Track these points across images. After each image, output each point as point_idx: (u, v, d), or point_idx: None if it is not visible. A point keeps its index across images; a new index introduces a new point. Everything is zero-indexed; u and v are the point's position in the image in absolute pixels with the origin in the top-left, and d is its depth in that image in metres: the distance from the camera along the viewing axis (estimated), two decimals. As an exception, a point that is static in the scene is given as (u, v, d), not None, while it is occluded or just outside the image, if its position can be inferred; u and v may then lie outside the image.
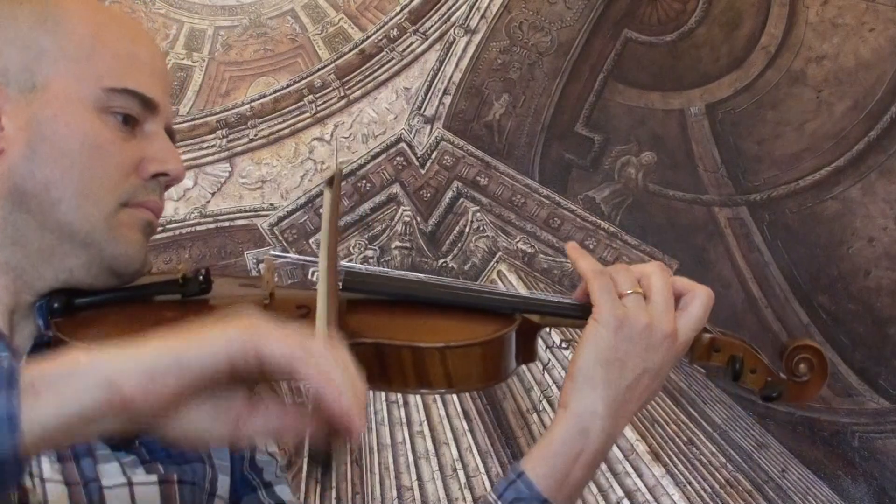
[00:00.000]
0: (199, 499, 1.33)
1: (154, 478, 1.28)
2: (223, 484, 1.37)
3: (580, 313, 1.33)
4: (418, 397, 3.04)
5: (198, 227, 3.24)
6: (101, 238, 1.30)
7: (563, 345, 2.88)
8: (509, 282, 3.25)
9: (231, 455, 1.39)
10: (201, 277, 1.30)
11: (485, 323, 1.27)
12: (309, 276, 2.88)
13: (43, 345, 1.29)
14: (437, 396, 3.01)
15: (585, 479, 1.32)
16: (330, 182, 1.28)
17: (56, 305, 1.26)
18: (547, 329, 1.65)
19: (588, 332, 1.29)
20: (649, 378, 1.31)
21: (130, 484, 1.27)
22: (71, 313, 1.26)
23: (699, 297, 1.32)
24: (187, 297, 1.30)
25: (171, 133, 1.36)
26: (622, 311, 1.28)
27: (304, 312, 1.23)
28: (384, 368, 1.22)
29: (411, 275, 1.34)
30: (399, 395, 3.08)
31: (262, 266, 1.44)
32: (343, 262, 1.30)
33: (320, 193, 3.25)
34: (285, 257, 1.42)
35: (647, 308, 1.28)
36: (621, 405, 1.31)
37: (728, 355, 1.34)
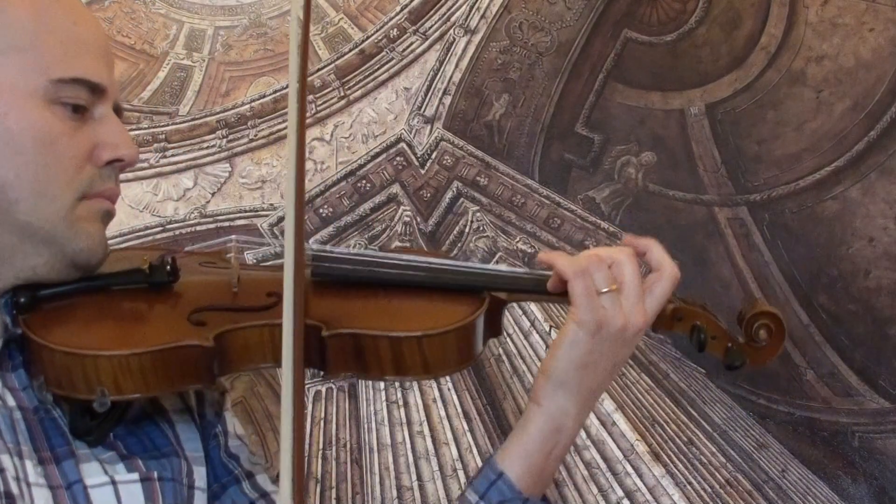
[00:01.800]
0: (180, 494, 1.35)
1: (136, 476, 1.31)
2: (200, 475, 1.39)
3: (545, 289, 1.37)
4: (418, 397, 3.05)
5: (198, 228, 3.22)
6: (61, 235, 1.31)
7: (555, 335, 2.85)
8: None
9: (205, 445, 1.42)
10: (168, 266, 1.33)
11: (456, 304, 1.32)
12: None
13: (10, 341, 1.30)
14: (437, 397, 3.04)
15: (556, 470, 1.40)
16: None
17: (22, 300, 1.27)
18: (546, 325, 1.60)
19: (567, 333, 1.34)
20: (618, 368, 1.38)
21: (114, 483, 1.29)
22: (37, 307, 1.28)
23: (665, 279, 1.37)
24: (154, 286, 1.32)
25: (118, 111, 1.36)
26: (601, 313, 1.32)
27: (274, 301, 1.27)
28: (361, 357, 1.27)
29: (380, 254, 1.37)
30: (399, 396, 3.09)
31: (230, 246, 1.45)
32: (312, 245, 1.34)
33: (320, 194, 3.26)
34: (251, 240, 1.46)
35: (621, 305, 1.33)
36: (591, 399, 1.38)
37: (690, 324, 1.40)
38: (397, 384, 2.93)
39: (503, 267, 1.47)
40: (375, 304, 1.34)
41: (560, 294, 1.36)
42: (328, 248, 1.39)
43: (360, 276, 1.36)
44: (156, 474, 1.32)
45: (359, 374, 1.30)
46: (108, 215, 1.35)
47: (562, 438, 1.38)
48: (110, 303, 1.31)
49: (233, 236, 1.46)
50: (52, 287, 1.29)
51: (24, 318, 1.27)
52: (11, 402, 1.28)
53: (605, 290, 1.33)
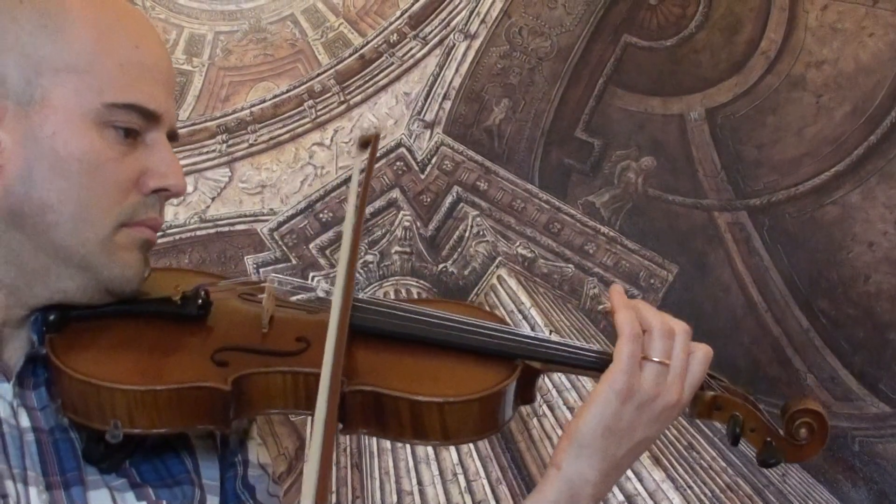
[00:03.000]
0: None
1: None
2: None
3: (589, 365, 1.35)
4: (429, 447, 3.06)
5: (198, 232, 3.29)
6: (97, 262, 1.27)
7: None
8: (509, 286, 3.27)
9: (222, 474, 1.38)
10: (200, 301, 1.28)
11: (485, 369, 1.28)
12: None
13: (36, 358, 1.28)
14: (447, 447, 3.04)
15: None
16: (364, 145, 1.28)
17: (52, 318, 1.25)
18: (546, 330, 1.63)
19: (598, 394, 1.29)
20: (645, 445, 1.33)
21: None
22: (66, 326, 1.26)
23: (699, 358, 1.32)
24: (184, 318, 1.29)
25: (173, 136, 1.32)
26: (638, 381, 1.28)
27: (302, 347, 1.24)
28: (380, 416, 1.23)
29: (412, 308, 1.33)
30: None
31: (264, 279, 1.41)
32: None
33: (320, 199, 3.32)
34: (288, 281, 1.38)
35: (663, 379, 1.29)
36: (614, 471, 1.32)
37: (729, 414, 1.35)
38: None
39: (551, 337, 1.41)
40: (402, 360, 1.30)
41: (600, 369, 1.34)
42: (361, 297, 1.33)
43: (392, 331, 1.32)
44: (165, 502, 1.29)
45: (377, 432, 1.26)
46: (148, 244, 1.31)
47: None
48: (137, 330, 1.28)
49: (271, 275, 1.39)
50: (83, 308, 1.27)
51: (51, 336, 1.25)
52: (26, 422, 1.26)
53: (656, 359, 1.29)
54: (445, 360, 1.29)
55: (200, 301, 1.28)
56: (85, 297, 1.27)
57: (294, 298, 1.35)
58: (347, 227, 1.23)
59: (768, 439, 1.35)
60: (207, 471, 1.35)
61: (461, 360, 1.29)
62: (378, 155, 3.29)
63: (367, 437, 3.00)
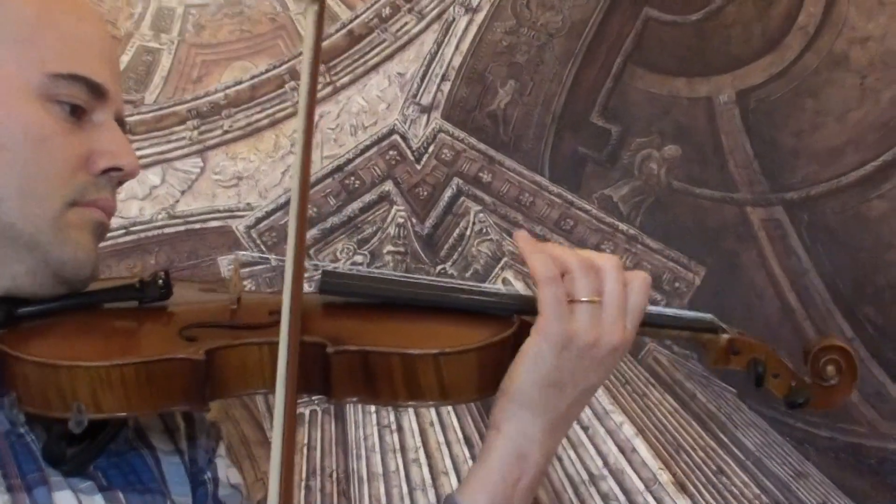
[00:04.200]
0: None
1: None
2: None
3: None
4: (414, 421, 3.02)
5: (165, 230, 3.18)
6: (46, 241, 1.28)
7: None
8: (517, 290, 3.10)
9: (193, 490, 1.40)
10: (160, 281, 1.31)
11: (480, 326, 1.28)
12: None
13: None
14: (435, 420, 3.01)
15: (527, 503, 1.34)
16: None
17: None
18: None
19: (529, 347, 1.27)
20: (591, 392, 1.33)
21: None
22: (15, 324, 1.25)
23: (636, 288, 1.31)
24: (145, 304, 1.31)
25: (121, 122, 1.34)
26: (571, 326, 1.27)
27: (276, 319, 1.20)
28: (371, 379, 1.23)
29: (394, 274, 1.35)
30: (392, 419, 3.05)
31: (228, 268, 1.42)
32: (320, 262, 1.31)
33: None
34: (257, 257, 1.43)
35: (599, 319, 1.27)
36: (561, 424, 1.32)
37: (748, 358, 1.36)
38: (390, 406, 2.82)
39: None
40: (389, 323, 1.32)
41: None
42: (338, 266, 1.38)
43: (374, 293, 1.34)
44: None
45: (368, 399, 1.27)
46: (102, 228, 1.34)
47: (528, 467, 1.32)
48: (96, 319, 1.30)
49: (237, 252, 1.47)
50: (33, 304, 1.28)
51: (1, 334, 1.25)
52: None
53: (584, 299, 1.29)
54: (437, 319, 1.30)
55: (161, 282, 1.31)
56: (35, 283, 1.28)
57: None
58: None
59: (793, 384, 1.36)
60: (177, 486, 1.38)
61: (453, 318, 1.30)
62: (368, 143, 3.17)
63: (354, 462, 2.99)
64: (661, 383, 3.03)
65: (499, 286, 1.41)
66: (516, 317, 1.31)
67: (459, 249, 3.18)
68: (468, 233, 3.19)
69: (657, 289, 3.08)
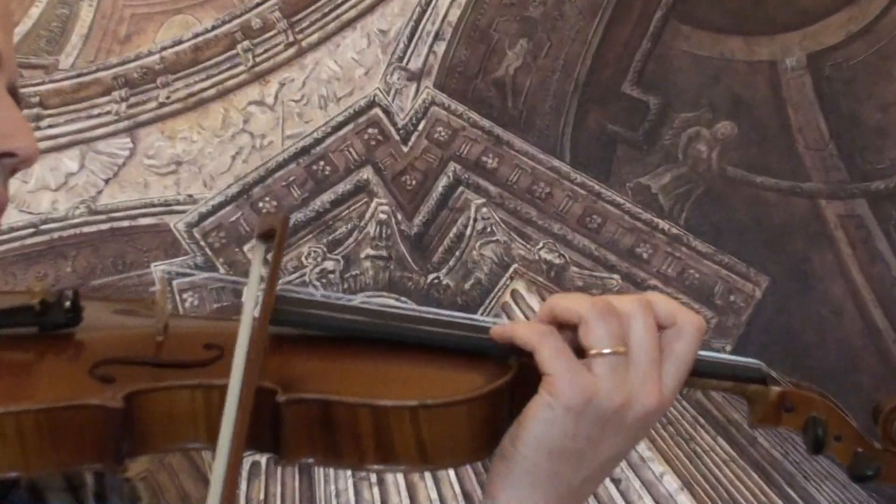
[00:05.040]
0: None
1: None
2: None
3: None
4: (399, 473, 2.89)
5: (85, 229, 3.07)
6: None
7: None
8: (528, 305, 3.13)
9: None
10: (68, 303, 1.25)
11: (471, 371, 1.22)
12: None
13: None
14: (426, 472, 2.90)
15: None
16: (266, 237, 1.22)
17: None
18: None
19: (539, 408, 1.19)
20: (614, 462, 1.25)
21: None
22: None
23: (686, 335, 1.22)
24: (47, 331, 1.24)
25: (15, 94, 1.30)
26: (590, 385, 1.18)
27: (214, 355, 1.18)
28: (333, 436, 1.16)
29: (366, 303, 1.30)
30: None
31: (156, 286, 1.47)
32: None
33: (259, 181, 3.13)
34: (189, 274, 1.70)
35: (626, 374, 1.20)
36: (572, 500, 1.25)
37: (804, 416, 1.29)
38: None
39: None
40: (357, 365, 1.22)
41: None
42: (296, 289, 1.28)
43: (339, 325, 1.24)
44: None
45: (328, 460, 1.17)
46: None
47: None
48: None
49: (159, 266, 1.59)
50: None
51: None
52: None
53: (605, 350, 1.18)
54: (417, 361, 1.23)
55: (69, 304, 1.24)
56: None
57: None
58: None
59: (860, 449, 1.26)
60: None
61: (435, 360, 1.23)
62: (342, 119, 3.08)
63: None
64: (713, 424, 2.95)
65: (498, 319, 1.30)
66: (514, 359, 1.24)
67: (457, 254, 3.07)
68: (468, 232, 3.08)
69: (706, 304, 3.08)
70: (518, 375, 1.21)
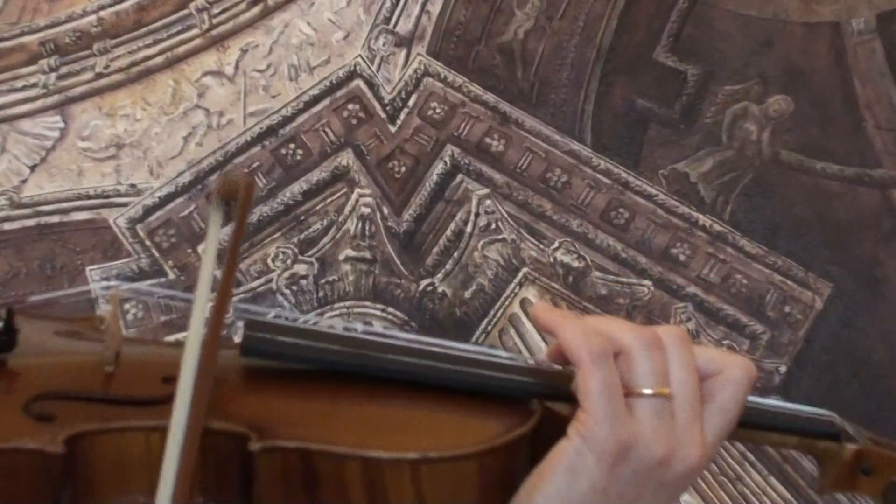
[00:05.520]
0: None
1: None
2: None
3: None
4: None
5: (6, 225, 2.87)
6: None
7: None
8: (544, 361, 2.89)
9: None
10: (1, 324, 1.22)
11: (482, 415, 1.14)
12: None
13: None
14: None
15: None
16: (225, 200, 1.12)
17: None
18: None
19: (565, 455, 1.11)
20: None
21: None
22: None
23: (731, 383, 1.14)
24: None
25: None
26: (629, 432, 1.10)
27: (173, 391, 1.07)
28: (315, 492, 1.11)
29: (356, 331, 1.21)
30: None
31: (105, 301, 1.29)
32: (240, 303, 1.22)
33: (216, 167, 2.92)
34: (148, 292, 1.67)
35: (670, 423, 1.12)
36: None
37: (886, 481, 1.21)
38: None
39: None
40: (345, 407, 1.15)
41: None
42: (273, 314, 1.27)
43: (324, 358, 1.17)
44: None
45: None
46: None
47: None
48: None
49: (111, 282, 1.52)
50: None
51: None
52: None
53: (648, 391, 1.10)
54: (415, 402, 1.16)
55: (0, 326, 1.21)
56: None
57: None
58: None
59: None
60: None
61: (440, 402, 1.15)
62: (317, 93, 2.85)
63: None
64: (763, 461, 2.75)
65: (522, 355, 1.35)
66: (537, 402, 1.14)
67: (455, 255, 2.85)
68: (469, 230, 2.88)
69: (756, 315, 2.84)
70: (539, 424, 1.15)
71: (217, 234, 1.11)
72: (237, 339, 1.20)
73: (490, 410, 1.14)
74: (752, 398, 1.20)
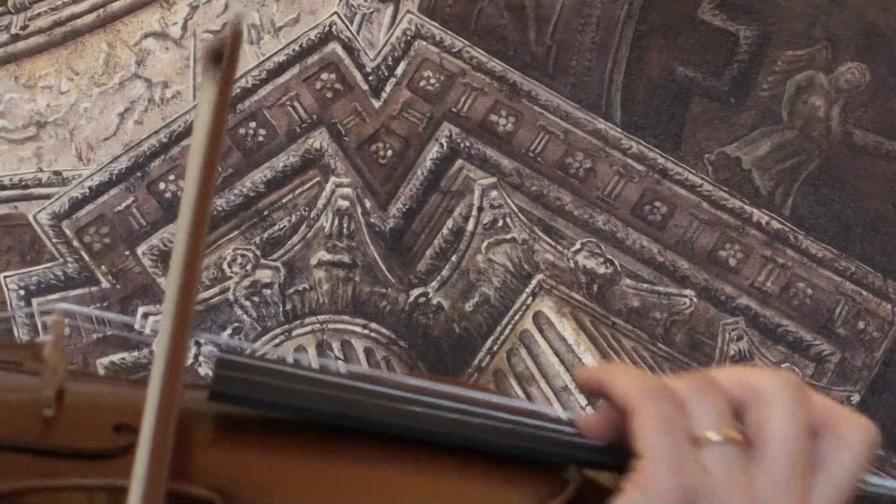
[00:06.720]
0: None
1: None
2: None
3: None
4: None
5: None
6: None
7: None
8: (558, 335, 2.74)
9: None
10: None
11: (508, 485, 0.96)
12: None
13: None
14: None
15: None
16: (214, 60, 0.87)
17: None
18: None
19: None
20: None
21: None
22: None
23: (849, 445, 0.92)
24: None
25: None
26: (695, 478, 0.92)
27: (126, 442, 0.91)
28: None
29: (353, 371, 1.00)
30: None
31: (47, 322, 1.31)
32: (219, 338, 1.27)
33: (161, 151, 2.72)
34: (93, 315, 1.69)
35: (751, 472, 0.91)
36: None
37: None
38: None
39: None
40: (336, 470, 0.95)
41: None
42: (247, 347, 1.57)
43: (311, 407, 0.95)
44: None
45: None
46: None
47: None
48: None
49: (58, 305, 1.29)
50: None
51: None
52: None
53: (715, 437, 0.92)
54: (423, 466, 0.96)
55: None
56: None
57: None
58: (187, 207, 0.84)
59: None
60: None
61: (455, 467, 0.96)
62: (284, 59, 2.66)
63: None
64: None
65: (544, 408, 0.92)
66: (574, 469, 0.94)
67: (453, 259, 2.70)
68: (470, 228, 2.72)
69: (821, 332, 2.68)
70: (577, 495, 0.96)
71: (209, 113, 0.93)
72: (208, 372, 1.11)
73: (517, 479, 0.97)
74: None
